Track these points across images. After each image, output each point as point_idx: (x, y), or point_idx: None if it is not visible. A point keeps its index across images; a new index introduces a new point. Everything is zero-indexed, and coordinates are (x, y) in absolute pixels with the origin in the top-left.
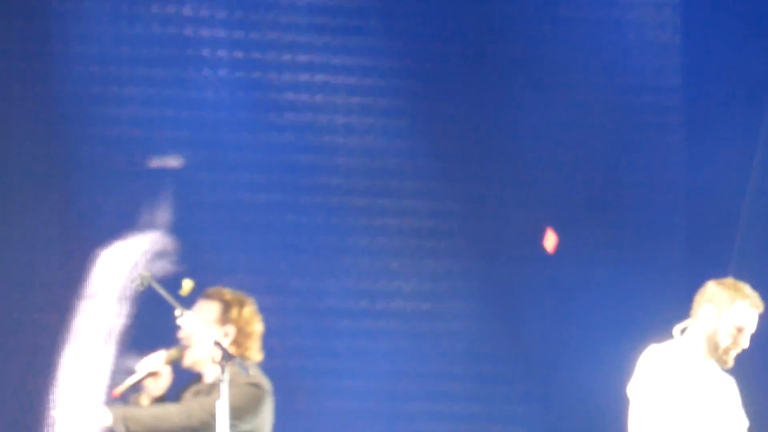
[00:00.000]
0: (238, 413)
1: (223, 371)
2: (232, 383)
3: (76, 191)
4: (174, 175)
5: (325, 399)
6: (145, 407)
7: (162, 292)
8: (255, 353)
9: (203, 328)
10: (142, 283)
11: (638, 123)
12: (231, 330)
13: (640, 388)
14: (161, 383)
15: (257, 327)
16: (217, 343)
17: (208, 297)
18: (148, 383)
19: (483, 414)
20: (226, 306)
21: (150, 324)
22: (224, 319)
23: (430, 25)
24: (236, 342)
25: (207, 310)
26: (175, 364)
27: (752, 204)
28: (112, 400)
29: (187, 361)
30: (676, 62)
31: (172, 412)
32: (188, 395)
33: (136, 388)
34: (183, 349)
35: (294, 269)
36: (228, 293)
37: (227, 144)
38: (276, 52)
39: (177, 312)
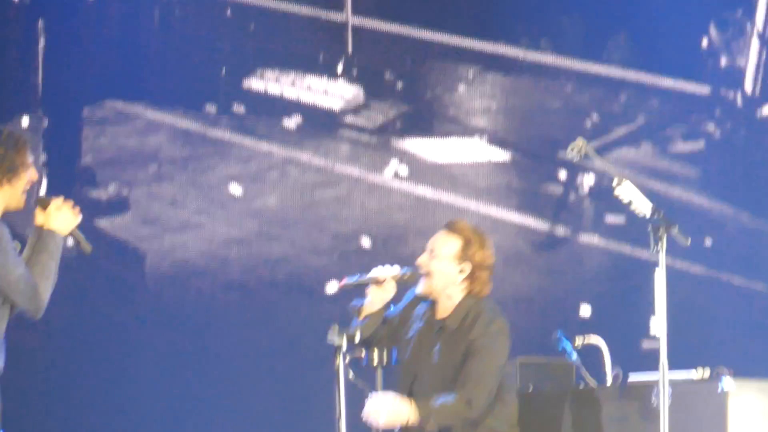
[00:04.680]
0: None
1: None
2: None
3: None
4: None
5: None
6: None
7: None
8: (486, 288)
9: (444, 262)
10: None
11: None
12: (467, 267)
13: None
14: (383, 295)
15: (491, 264)
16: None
17: (452, 230)
18: (372, 290)
19: None
20: (467, 243)
21: None
22: (463, 256)
23: None
24: (470, 277)
25: (448, 243)
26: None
27: None
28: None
29: (422, 289)
30: None
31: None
32: (425, 330)
33: (361, 286)
34: (418, 275)
35: None
36: (469, 230)
37: None
38: None
39: (614, 181)
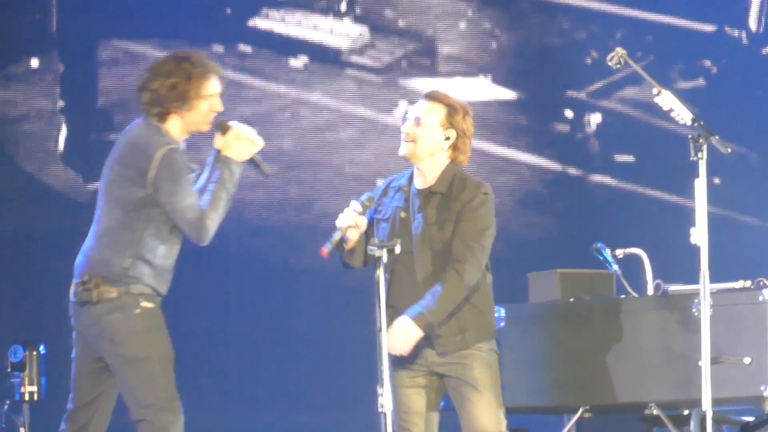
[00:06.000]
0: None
1: None
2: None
3: None
4: None
5: None
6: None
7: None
8: (466, 159)
9: (430, 129)
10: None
11: None
12: (452, 134)
13: None
14: (358, 231)
15: (471, 134)
16: None
17: (435, 99)
18: (351, 233)
19: None
20: (452, 110)
21: None
22: (449, 123)
23: None
24: (454, 146)
25: (434, 111)
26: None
27: None
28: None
29: (406, 152)
30: None
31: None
32: (407, 204)
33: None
34: (373, 195)
35: None
36: (452, 98)
37: None
38: None
39: (654, 90)
